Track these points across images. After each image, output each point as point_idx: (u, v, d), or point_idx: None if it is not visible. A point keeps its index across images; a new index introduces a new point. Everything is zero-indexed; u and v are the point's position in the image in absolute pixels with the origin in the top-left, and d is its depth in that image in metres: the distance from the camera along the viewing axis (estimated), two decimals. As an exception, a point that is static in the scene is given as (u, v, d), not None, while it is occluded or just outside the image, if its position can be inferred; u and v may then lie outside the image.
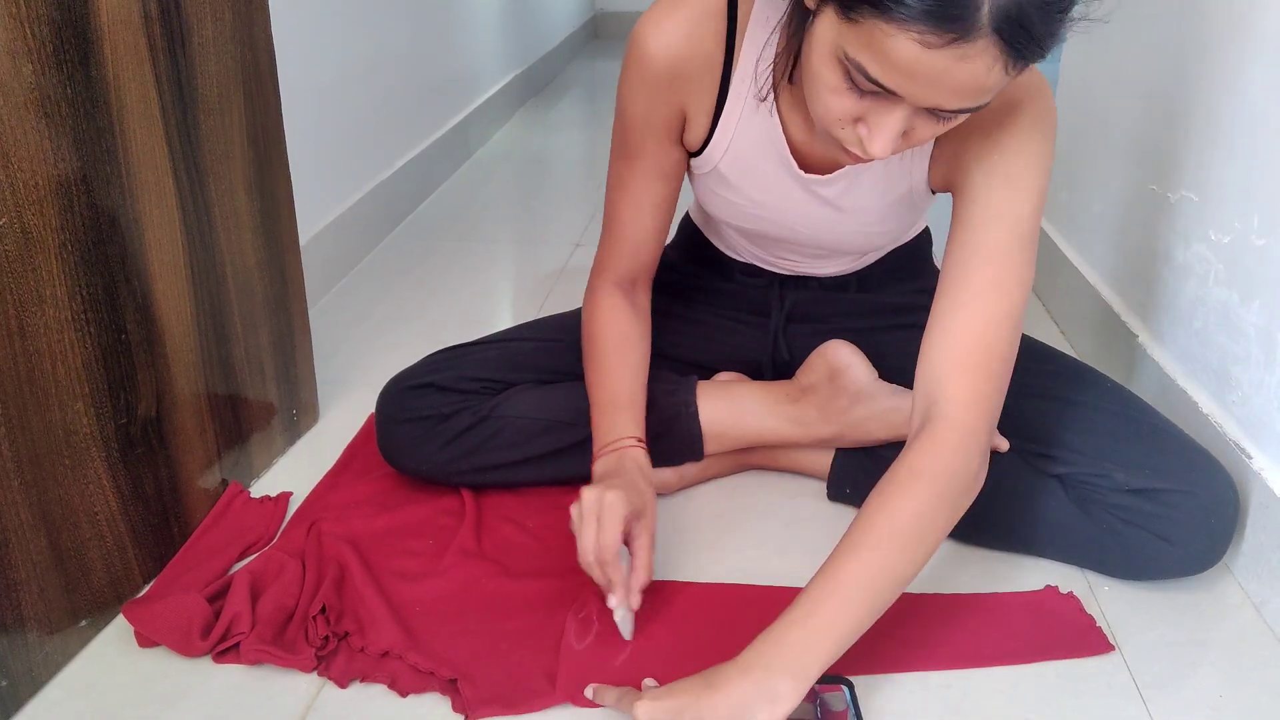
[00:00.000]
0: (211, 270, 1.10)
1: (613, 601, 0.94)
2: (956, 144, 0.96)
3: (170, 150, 1.01)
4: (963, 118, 0.81)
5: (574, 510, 0.95)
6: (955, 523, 0.88)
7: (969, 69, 0.73)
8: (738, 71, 0.99)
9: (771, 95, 0.99)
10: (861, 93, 0.79)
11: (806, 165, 1.02)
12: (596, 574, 0.94)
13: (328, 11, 1.79)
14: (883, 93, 0.78)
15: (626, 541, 0.96)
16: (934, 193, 1.05)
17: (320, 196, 1.79)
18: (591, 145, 2.82)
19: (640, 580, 0.95)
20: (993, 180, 0.92)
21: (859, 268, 1.21)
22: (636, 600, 0.94)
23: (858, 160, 0.86)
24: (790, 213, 1.07)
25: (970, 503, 0.90)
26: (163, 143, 1.00)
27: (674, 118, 1.03)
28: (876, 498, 0.87)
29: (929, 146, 0.99)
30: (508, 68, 3.07)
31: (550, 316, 1.27)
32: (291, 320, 1.27)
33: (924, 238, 1.26)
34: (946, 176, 1.00)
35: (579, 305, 1.30)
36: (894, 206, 1.05)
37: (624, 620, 0.95)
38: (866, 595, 0.82)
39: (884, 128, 0.80)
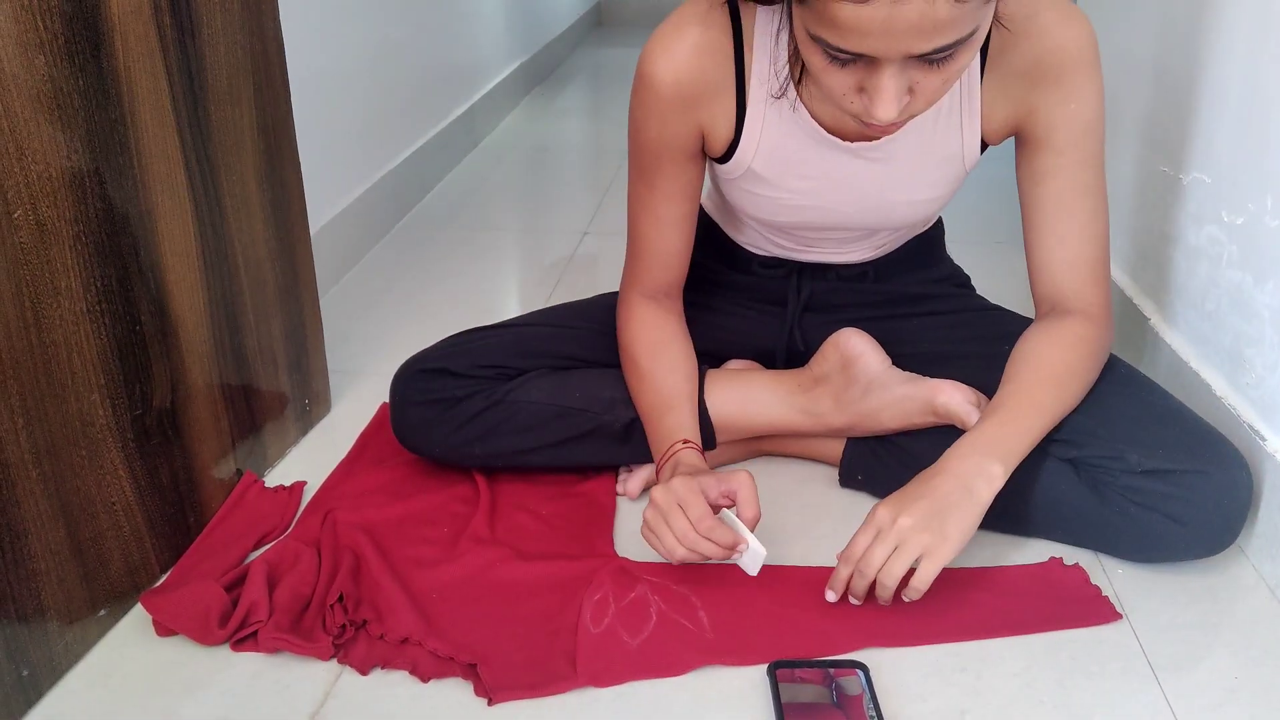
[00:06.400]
0: (223, 261, 1.10)
1: (738, 551, 0.94)
2: (1020, 92, 0.99)
3: (181, 142, 1.01)
4: (966, 58, 0.81)
5: (648, 515, 0.95)
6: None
7: (910, 8, 0.74)
8: (753, 78, 1.00)
9: (794, 91, 0.99)
10: (843, 63, 0.81)
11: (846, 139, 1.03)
12: (705, 548, 0.93)
13: (334, 2, 1.79)
14: (859, 58, 0.79)
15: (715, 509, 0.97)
16: (985, 148, 1.05)
17: (329, 187, 1.79)
18: (597, 133, 2.82)
19: (752, 517, 0.96)
20: (1074, 127, 1.00)
21: (878, 255, 1.20)
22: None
23: (877, 129, 0.87)
24: (837, 189, 1.06)
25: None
26: (174, 134, 1.00)
27: (690, 137, 1.03)
28: (1048, 348, 1.03)
29: (977, 102, 1.01)
30: (512, 56, 3.06)
31: (565, 303, 1.27)
32: (303, 310, 1.28)
33: (939, 228, 1.25)
34: (1017, 124, 1.02)
35: (589, 293, 1.30)
36: (942, 165, 1.05)
37: (751, 560, 0.96)
38: (1050, 414, 1.00)
39: (881, 90, 0.81)
